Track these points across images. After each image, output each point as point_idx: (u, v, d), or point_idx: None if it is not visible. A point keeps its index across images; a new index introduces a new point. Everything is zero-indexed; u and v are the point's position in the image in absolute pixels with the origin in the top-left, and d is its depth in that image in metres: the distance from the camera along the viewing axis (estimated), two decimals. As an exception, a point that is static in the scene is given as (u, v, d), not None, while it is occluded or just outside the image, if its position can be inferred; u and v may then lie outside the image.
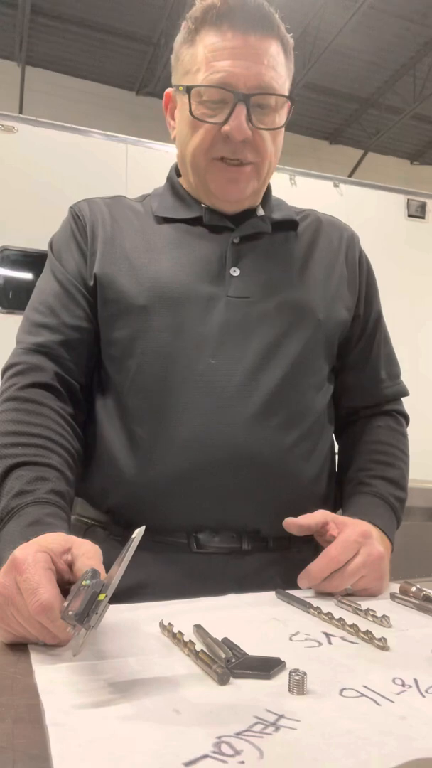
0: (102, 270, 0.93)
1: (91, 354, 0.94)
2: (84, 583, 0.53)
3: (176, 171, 1.05)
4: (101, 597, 0.51)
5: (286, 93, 0.93)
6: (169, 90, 0.99)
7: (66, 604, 0.53)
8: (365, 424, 1.04)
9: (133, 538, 0.52)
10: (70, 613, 0.51)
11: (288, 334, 0.91)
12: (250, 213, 0.99)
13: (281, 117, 0.93)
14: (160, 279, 0.91)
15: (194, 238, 0.96)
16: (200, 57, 0.89)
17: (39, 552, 0.59)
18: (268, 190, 1.04)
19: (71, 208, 1.02)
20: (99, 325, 0.94)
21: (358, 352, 1.03)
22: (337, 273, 1.00)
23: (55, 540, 0.63)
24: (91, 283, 0.93)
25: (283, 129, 0.96)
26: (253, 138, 0.89)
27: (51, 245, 1.00)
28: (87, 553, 0.61)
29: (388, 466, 0.98)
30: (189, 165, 0.95)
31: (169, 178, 1.05)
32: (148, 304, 0.89)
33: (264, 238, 0.98)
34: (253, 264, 0.94)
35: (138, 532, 0.53)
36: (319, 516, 0.82)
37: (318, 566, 0.76)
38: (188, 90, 0.89)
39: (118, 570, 0.52)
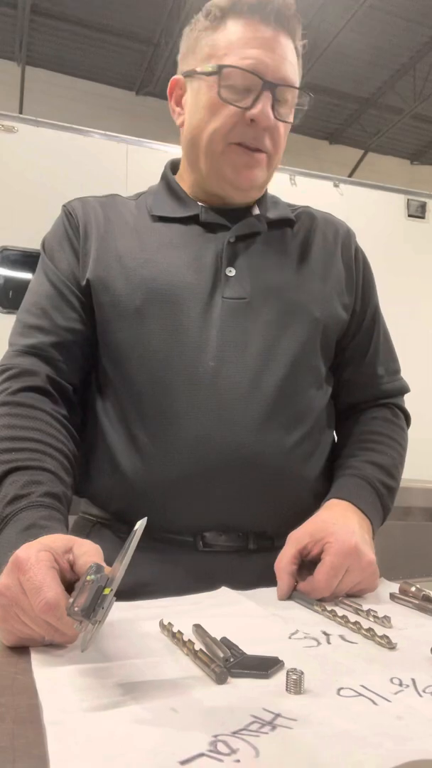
0: (95, 273, 0.92)
1: (84, 355, 0.94)
2: (88, 578, 0.53)
3: (171, 168, 1.05)
4: (106, 591, 0.51)
5: (309, 95, 0.95)
6: (176, 76, 0.99)
7: (71, 600, 0.53)
8: (361, 415, 1.03)
9: (135, 531, 0.52)
10: (76, 609, 0.51)
11: (285, 333, 0.91)
12: (245, 212, 0.99)
13: (293, 112, 0.95)
14: (155, 280, 0.90)
15: (190, 238, 0.95)
16: (227, 43, 0.90)
17: (41, 551, 0.59)
18: None
19: (64, 206, 1.01)
20: (95, 327, 0.93)
21: (356, 348, 1.03)
22: (333, 270, 1.00)
23: (57, 540, 0.63)
24: (84, 284, 0.93)
25: (289, 127, 0.97)
26: (272, 129, 0.91)
27: (43, 245, 1.00)
28: (88, 552, 0.60)
29: (379, 453, 0.97)
30: (203, 149, 0.94)
31: (164, 176, 1.04)
32: (143, 306, 0.89)
33: (260, 237, 0.97)
34: (248, 264, 0.94)
35: (140, 524, 0.53)
36: (290, 557, 0.78)
37: (324, 578, 0.74)
38: (219, 69, 0.89)
39: (122, 563, 0.52)
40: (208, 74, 0.91)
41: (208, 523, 0.86)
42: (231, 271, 0.92)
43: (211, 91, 0.90)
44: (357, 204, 3.84)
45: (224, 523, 0.87)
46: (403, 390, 1.08)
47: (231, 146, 0.92)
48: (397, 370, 1.08)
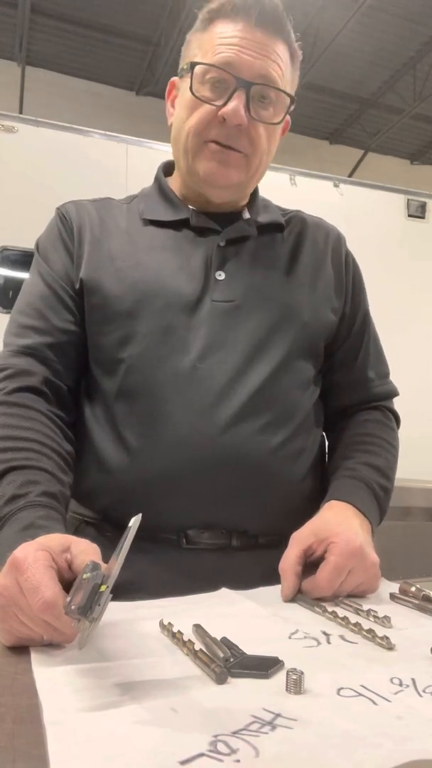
0: (88, 274, 0.93)
1: (79, 356, 0.94)
2: (84, 576, 0.54)
3: (164, 170, 1.06)
4: (102, 588, 0.51)
5: (289, 96, 0.93)
6: (174, 78, 0.99)
7: (69, 599, 0.53)
8: (352, 417, 1.04)
9: (130, 527, 0.53)
10: (73, 607, 0.51)
11: (272, 336, 0.92)
12: (235, 216, 0.99)
13: (279, 115, 0.93)
14: (146, 283, 0.91)
15: (180, 242, 0.96)
16: (209, 42, 0.91)
17: (39, 551, 0.59)
18: (255, 192, 1.04)
19: (58, 209, 1.02)
20: (86, 328, 0.94)
21: (346, 351, 1.04)
22: (323, 274, 1.00)
23: (54, 539, 0.63)
24: (78, 285, 0.94)
25: (279, 129, 0.96)
26: (248, 128, 0.90)
27: (37, 246, 1.00)
28: (86, 551, 0.61)
29: (374, 455, 0.97)
30: (182, 147, 0.95)
31: (156, 179, 1.05)
32: (133, 308, 0.90)
33: (250, 241, 0.98)
34: (238, 267, 0.95)
35: (134, 521, 0.53)
36: (296, 557, 0.77)
37: (327, 578, 0.74)
38: (192, 66, 0.90)
39: (118, 560, 0.52)
40: (186, 72, 0.92)
41: (192, 521, 0.87)
42: (220, 275, 0.93)
43: (188, 90, 0.91)
44: (357, 204, 3.84)
45: (207, 521, 0.87)
46: (393, 393, 1.08)
47: (206, 144, 0.92)
48: (386, 374, 1.09)
